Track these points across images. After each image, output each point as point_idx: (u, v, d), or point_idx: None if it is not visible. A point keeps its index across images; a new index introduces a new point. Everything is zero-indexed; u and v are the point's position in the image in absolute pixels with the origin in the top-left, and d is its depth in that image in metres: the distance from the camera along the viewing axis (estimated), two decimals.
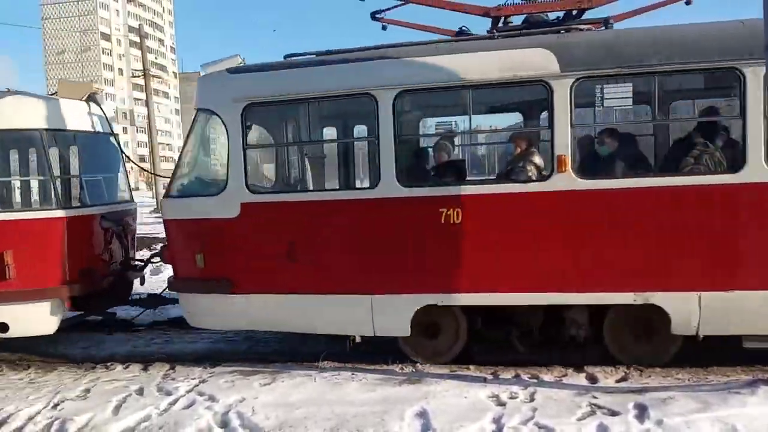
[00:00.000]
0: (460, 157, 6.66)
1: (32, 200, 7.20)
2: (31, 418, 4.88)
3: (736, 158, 5.15)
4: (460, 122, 7.28)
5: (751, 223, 5.08)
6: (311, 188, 6.56)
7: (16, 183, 7.37)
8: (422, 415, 4.47)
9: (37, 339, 7.57)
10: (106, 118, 7.43)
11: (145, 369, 6.07)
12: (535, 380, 5.18)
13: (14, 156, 7.17)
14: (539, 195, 5.40)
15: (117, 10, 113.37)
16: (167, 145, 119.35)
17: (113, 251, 7.19)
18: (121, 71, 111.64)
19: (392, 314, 5.73)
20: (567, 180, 5.29)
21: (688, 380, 5.12)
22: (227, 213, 5.85)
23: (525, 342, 5.89)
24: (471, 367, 5.63)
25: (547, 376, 5.27)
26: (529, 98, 6.31)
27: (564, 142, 5.27)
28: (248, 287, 5.91)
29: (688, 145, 5.42)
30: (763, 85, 4.87)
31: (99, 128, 7.32)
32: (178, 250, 6.23)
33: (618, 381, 5.17)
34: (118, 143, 7.85)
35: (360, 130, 7.32)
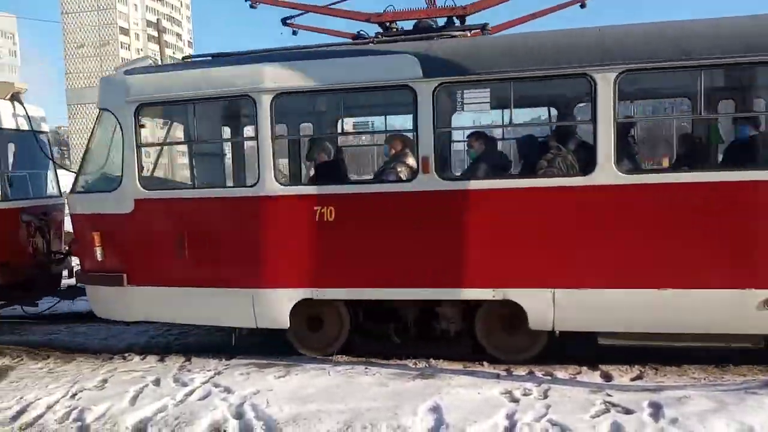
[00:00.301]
0: (341, 158, 6.89)
1: None
2: (50, 407, 4.96)
3: (588, 161, 5.33)
4: (340, 124, 7.89)
5: (598, 223, 5.26)
6: (197, 186, 6.66)
7: None
8: (435, 410, 4.48)
9: (57, 330, 7.73)
10: (29, 117, 7.61)
11: (161, 360, 6.16)
12: (549, 377, 5.17)
13: None
14: (406, 195, 5.66)
15: (135, 5, 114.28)
16: None
17: (35, 244, 7.38)
18: None
19: (272, 307, 5.93)
20: (430, 181, 5.51)
21: (704, 379, 5.08)
22: (122, 208, 6.14)
23: (402, 335, 6.11)
24: (485, 363, 5.65)
25: (561, 374, 5.26)
26: (399, 102, 6.51)
27: (428, 144, 5.47)
28: (141, 280, 6.17)
29: (544, 149, 5.68)
30: (613, 91, 5.10)
31: (23, 126, 7.56)
32: (82, 243, 6.49)
33: (633, 379, 5.16)
34: (45, 141, 8.05)
35: (248, 130, 7.49)
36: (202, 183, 6.86)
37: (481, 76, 5.49)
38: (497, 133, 6.75)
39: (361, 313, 6.12)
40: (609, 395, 4.60)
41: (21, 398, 5.17)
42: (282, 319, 5.92)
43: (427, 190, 5.52)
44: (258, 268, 5.90)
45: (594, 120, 5.20)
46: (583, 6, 6.42)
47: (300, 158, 7.00)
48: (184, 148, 7.38)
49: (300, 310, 5.90)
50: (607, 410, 4.34)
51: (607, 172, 5.17)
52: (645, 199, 5.16)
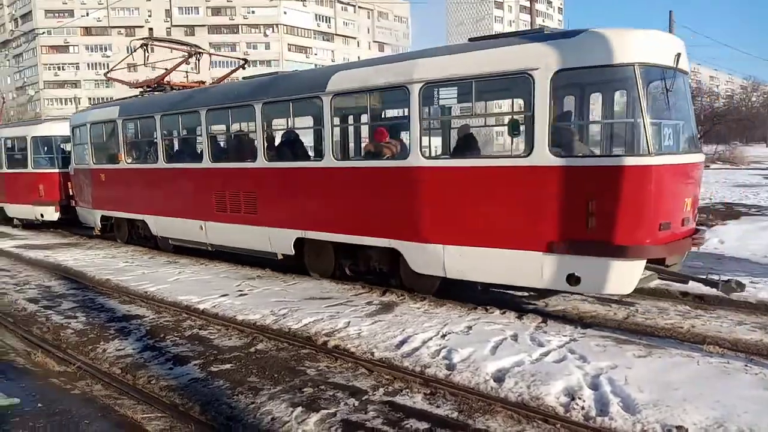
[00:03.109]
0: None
1: None
2: (424, 342, 5.67)
3: (527, 145, 6.30)
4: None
5: (520, 195, 6.35)
6: None
7: None
8: None
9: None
10: None
11: (519, 318, 6.43)
12: None
13: None
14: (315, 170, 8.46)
15: None
16: None
17: None
18: None
19: (282, 240, 8.95)
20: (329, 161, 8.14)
21: None
22: None
23: (354, 270, 8.56)
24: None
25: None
26: None
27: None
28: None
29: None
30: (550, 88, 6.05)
31: None
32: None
33: None
34: None
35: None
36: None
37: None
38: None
39: (340, 250, 8.59)
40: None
41: (402, 330, 6.05)
42: (288, 248, 9.00)
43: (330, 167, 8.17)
44: (274, 214, 9.11)
45: (532, 112, 6.20)
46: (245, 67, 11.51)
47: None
48: None
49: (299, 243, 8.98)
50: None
51: (417, 158, 7.07)
52: (436, 175, 7.02)
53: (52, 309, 7.58)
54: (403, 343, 5.70)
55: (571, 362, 5.00)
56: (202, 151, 10.29)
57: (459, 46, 7.06)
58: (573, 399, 4.35)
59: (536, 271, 6.27)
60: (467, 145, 7.46)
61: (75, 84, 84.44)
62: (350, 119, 9.51)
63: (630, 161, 5.87)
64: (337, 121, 8.49)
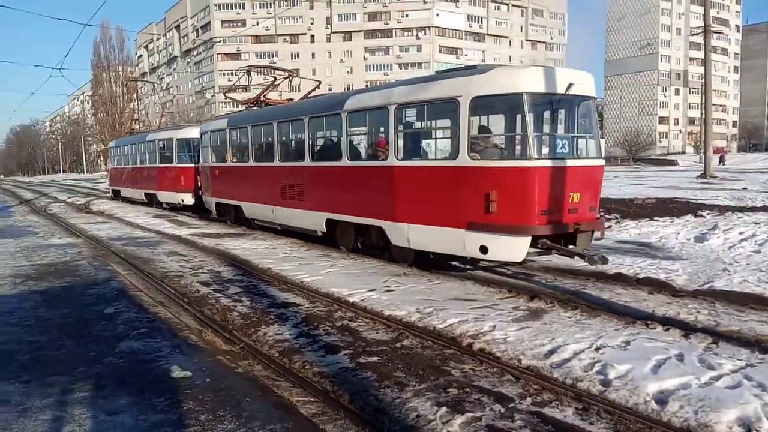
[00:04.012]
0: None
1: None
2: (576, 354, 5.36)
3: (454, 151, 8.65)
4: None
5: (451, 187, 8.63)
6: None
7: None
8: None
9: (584, 285, 8.31)
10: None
11: (685, 336, 5.86)
12: None
13: None
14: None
15: None
16: (721, 106, 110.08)
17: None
18: (678, 31, 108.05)
19: (318, 220, 11.82)
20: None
21: None
22: None
23: (364, 244, 11.14)
24: None
25: None
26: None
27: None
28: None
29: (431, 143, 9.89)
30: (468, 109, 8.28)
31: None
32: None
33: None
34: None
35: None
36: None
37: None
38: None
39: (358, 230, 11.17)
40: None
41: (552, 339, 5.78)
42: (321, 226, 11.97)
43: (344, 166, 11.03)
44: (307, 201, 12.41)
45: (458, 127, 8.43)
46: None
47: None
48: None
49: (330, 223, 11.89)
50: None
51: (393, 160, 9.58)
52: (402, 172, 9.52)
53: (221, 293, 8.33)
54: (552, 352, 5.46)
55: (748, 390, 4.46)
56: (274, 153, 13.47)
57: (420, 78, 9.73)
58: (749, 431, 3.88)
59: (461, 243, 8.54)
60: (419, 149, 9.86)
61: (245, 88, 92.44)
62: (358, 130, 11.39)
63: (516, 163, 8.25)
64: (350, 131, 10.90)
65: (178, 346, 5.83)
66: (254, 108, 16.04)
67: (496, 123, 9.64)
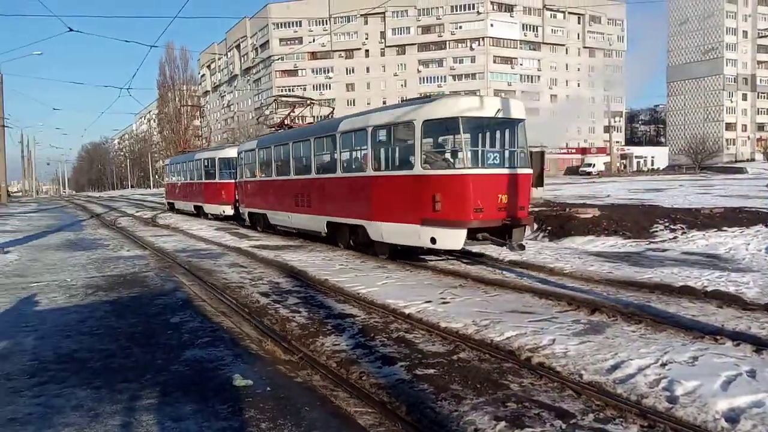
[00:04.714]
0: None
1: None
2: (641, 369, 5.19)
3: (411, 163, 11.10)
4: None
5: (410, 191, 11.04)
6: None
7: None
8: None
9: (649, 298, 8.02)
10: None
11: (757, 352, 5.58)
12: None
13: None
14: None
15: None
16: None
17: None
18: (745, 33, 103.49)
19: (321, 222, 14.52)
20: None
21: None
22: None
23: (355, 242, 13.51)
24: None
25: None
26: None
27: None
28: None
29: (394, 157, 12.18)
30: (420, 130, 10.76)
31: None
32: None
33: None
34: None
35: None
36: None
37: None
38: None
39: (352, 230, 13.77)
40: None
41: (615, 354, 5.61)
42: (322, 228, 14.73)
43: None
44: (307, 205, 15.32)
45: (414, 143, 10.98)
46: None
47: None
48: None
49: (330, 225, 14.73)
50: None
51: (370, 171, 12.22)
52: (377, 180, 12.06)
53: (280, 303, 8.50)
54: (615, 368, 5.30)
55: None
56: (290, 168, 16.25)
57: (390, 106, 12.32)
58: None
59: (417, 236, 10.83)
60: (388, 161, 12.14)
61: (289, 114, 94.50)
62: (348, 147, 13.48)
63: (455, 172, 10.60)
64: (342, 148, 13.45)
65: (240, 355, 5.98)
66: (279, 130, 19.15)
67: (448, 141, 11.80)
